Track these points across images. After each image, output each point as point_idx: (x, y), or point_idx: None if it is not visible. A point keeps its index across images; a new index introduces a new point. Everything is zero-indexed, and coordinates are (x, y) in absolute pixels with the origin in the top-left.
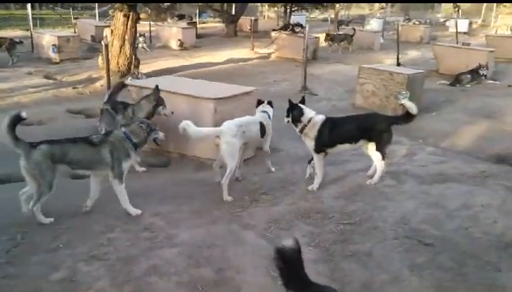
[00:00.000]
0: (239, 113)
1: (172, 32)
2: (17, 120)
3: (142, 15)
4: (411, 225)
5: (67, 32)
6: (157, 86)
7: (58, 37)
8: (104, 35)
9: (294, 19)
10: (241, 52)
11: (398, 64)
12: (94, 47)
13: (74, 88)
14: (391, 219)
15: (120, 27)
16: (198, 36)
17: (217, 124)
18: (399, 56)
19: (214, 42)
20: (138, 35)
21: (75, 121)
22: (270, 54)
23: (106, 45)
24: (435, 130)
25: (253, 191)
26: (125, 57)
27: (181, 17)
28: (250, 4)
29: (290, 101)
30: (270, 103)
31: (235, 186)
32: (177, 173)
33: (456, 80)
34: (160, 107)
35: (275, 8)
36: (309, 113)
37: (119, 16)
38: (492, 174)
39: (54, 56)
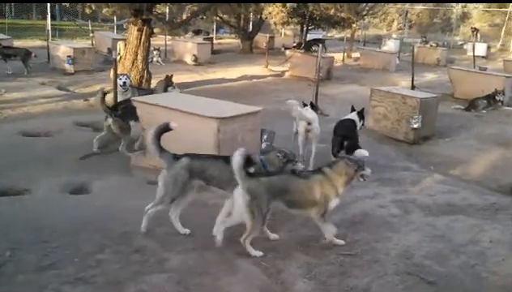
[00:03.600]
0: (244, 134)
1: (188, 46)
2: (164, 130)
3: (156, 30)
4: (414, 260)
5: (84, 43)
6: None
7: (74, 49)
8: (118, 48)
9: (310, 37)
10: (255, 69)
11: (413, 87)
12: (110, 59)
13: (85, 100)
14: (394, 252)
15: (133, 41)
16: (214, 52)
17: (220, 144)
18: (415, 78)
19: (229, 58)
20: (152, 49)
21: (82, 133)
22: (283, 72)
23: (115, 59)
24: (447, 157)
25: None
26: (138, 71)
27: (197, 32)
28: (267, 21)
29: (352, 107)
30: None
31: None
32: None
33: (471, 105)
34: (169, 87)
35: (292, 26)
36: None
37: (133, 30)
38: (503, 207)
39: (69, 67)
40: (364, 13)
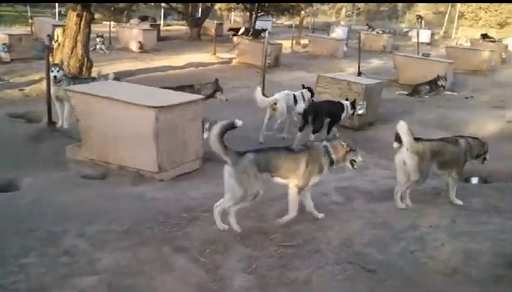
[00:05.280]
0: (184, 123)
1: (133, 33)
2: (229, 128)
3: (97, 16)
4: (354, 248)
5: (23, 30)
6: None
7: (9, 36)
8: (55, 35)
9: (260, 24)
10: (202, 56)
11: (360, 73)
12: (50, 47)
13: (20, 89)
14: (335, 241)
15: (72, 27)
16: (161, 39)
17: (159, 135)
18: (361, 65)
19: (176, 45)
20: (96, 36)
21: (15, 125)
22: (231, 59)
23: (48, 47)
24: (390, 143)
25: (193, 208)
26: (77, 58)
27: (143, 19)
28: (216, 7)
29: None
30: (308, 87)
31: (173, 204)
32: (113, 187)
33: (415, 91)
34: (218, 93)
35: (241, 13)
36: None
37: (72, 16)
38: (443, 191)
39: (4, 55)
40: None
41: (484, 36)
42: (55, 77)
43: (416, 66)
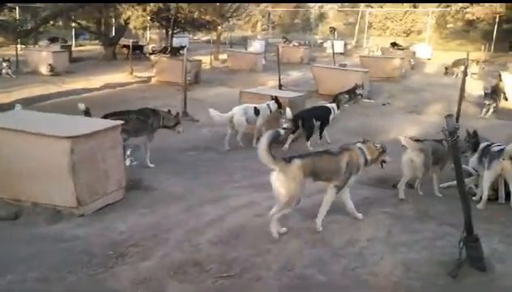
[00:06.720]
0: (104, 152)
1: (42, 56)
2: (276, 138)
3: (1, 39)
4: (296, 271)
5: None
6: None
7: None
8: None
9: (177, 41)
10: (119, 76)
11: (280, 86)
12: None
13: None
14: (275, 265)
15: None
16: (73, 60)
17: (76, 166)
18: (281, 77)
19: (90, 66)
20: (1, 60)
21: None
22: (150, 78)
23: None
24: None
25: (120, 243)
26: None
27: (53, 40)
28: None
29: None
30: (275, 99)
31: (97, 241)
32: (27, 228)
33: (335, 100)
34: (178, 125)
35: (157, 30)
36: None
37: None
38: (375, 200)
39: None
40: (229, 15)
41: (394, 44)
42: None
43: (334, 76)
